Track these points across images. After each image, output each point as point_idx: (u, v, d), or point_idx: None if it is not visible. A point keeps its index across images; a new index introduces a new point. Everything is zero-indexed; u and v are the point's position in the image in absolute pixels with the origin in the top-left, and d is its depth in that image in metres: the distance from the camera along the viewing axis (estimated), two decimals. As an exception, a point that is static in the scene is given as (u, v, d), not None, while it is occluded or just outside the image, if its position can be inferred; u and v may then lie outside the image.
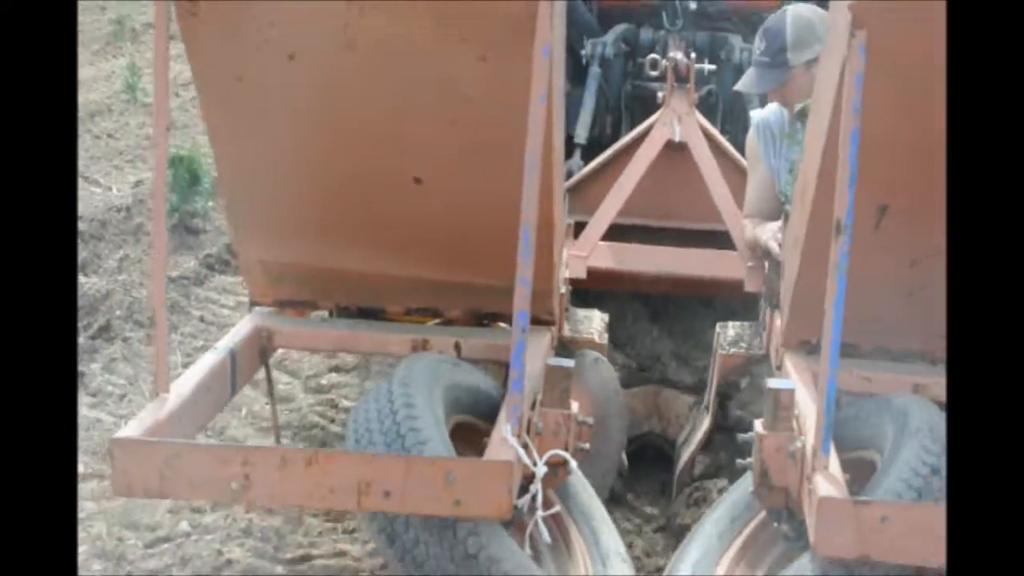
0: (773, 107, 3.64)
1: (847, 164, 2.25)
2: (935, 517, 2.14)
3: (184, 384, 2.57)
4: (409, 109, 2.57)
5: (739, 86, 3.72)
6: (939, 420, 2.42)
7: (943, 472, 2.28)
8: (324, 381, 4.13)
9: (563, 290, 3.25)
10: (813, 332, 2.74)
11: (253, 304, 3.04)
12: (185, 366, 3.92)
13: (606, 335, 3.42)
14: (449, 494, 2.18)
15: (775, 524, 2.61)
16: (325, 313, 3.22)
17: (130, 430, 2.33)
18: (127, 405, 3.91)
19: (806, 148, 2.90)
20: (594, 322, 3.43)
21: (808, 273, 2.70)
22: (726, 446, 3.22)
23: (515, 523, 2.39)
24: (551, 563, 2.57)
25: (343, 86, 2.56)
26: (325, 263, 2.93)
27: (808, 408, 2.49)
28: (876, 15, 2.23)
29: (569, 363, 2.61)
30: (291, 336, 3.06)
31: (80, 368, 4.03)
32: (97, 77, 9.60)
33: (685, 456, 3.40)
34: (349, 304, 3.06)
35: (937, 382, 2.77)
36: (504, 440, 2.30)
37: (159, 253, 2.52)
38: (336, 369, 4.19)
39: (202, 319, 4.81)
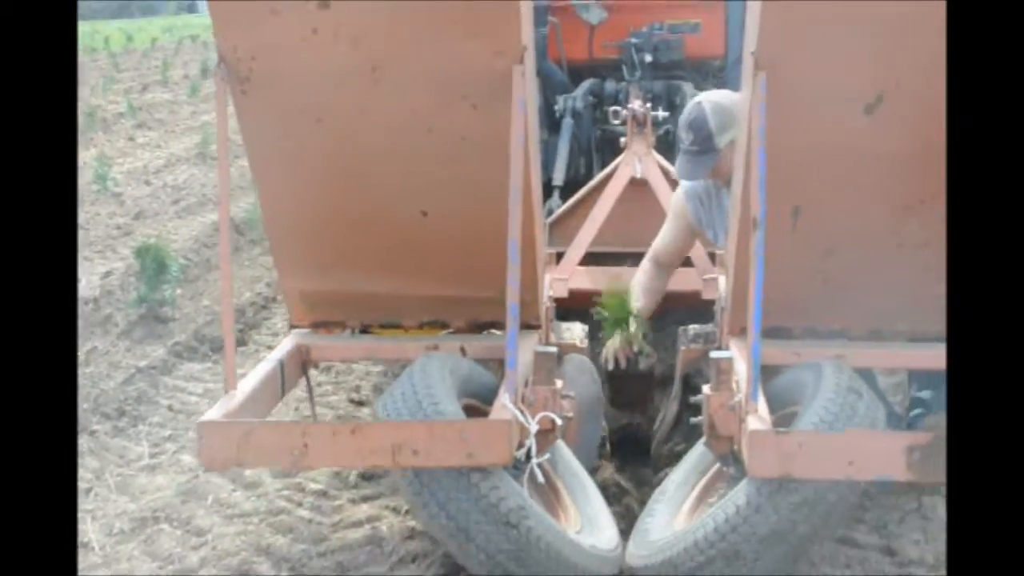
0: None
1: (757, 173, 2.89)
2: (842, 442, 2.75)
3: (247, 384, 3.20)
4: (415, 154, 3.19)
5: (677, 176, 4.16)
6: (847, 373, 3.02)
7: (849, 409, 2.87)
8: None
9: (548, 304, 3.87)
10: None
11: (292, 327, 3.67)
12: (152, 456, 4.21)
13: (587, 341, 4.03)
14: (463, 449, 2.77)
15: (724, 468, 3.24)
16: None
17: (211, 415, 2.96)
18: (93, 499, 3.89)
19: (735, 172, 3.52)
20: (576, 331, 4.04)
21: (742, 274, 3.21)
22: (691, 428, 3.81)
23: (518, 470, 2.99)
24: (547, 511, 3.16)
25: (360, 140, 3.19)
26: (351, 288, 3.55)
27: (743, 372, 3.10)
28: (771, 60, 2.90)
29: (553, 350, 3.26)
30: (327, 350, 3.69)
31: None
32: (68, 166, 10.08)
33: (659, 436, 4.00)
34: (372, 322, 3.67)
35: (855, 353, 3.35)
36: (504, 406, 2.92)
37: (225, 261, 3.16)
38: None
39: (170, 408, 4.78)
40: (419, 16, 2.93)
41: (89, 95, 16.24)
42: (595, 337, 4.19)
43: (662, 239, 4.30)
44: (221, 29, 3.01)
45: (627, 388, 4.26)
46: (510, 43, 2.96)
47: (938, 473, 2.76)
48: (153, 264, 5.82)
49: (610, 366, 4.03)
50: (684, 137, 3.97)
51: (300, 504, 3.74)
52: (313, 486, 3.86)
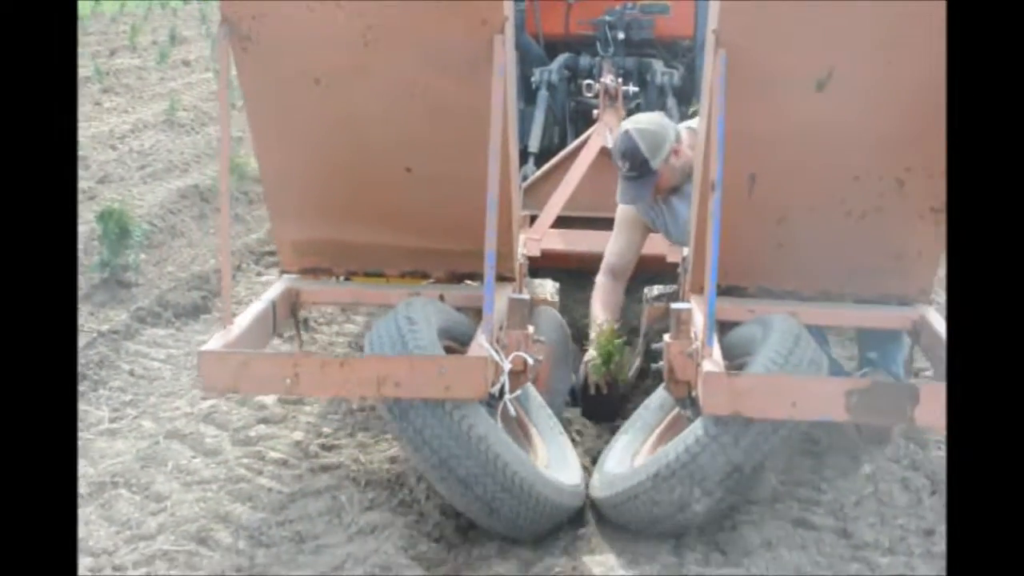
0: None
1: (715, 139, 3.16)
2: (787, 384, 3.03)
3: (242, 320, 3.45)
4: (403, 116, 3.44)
5: (620, 200, 4.34)
6: (793, 323, 3.29)
7: (796, 357, 3.15)
8: (252, 433, 4.00)
9: (522, 261, 4.13)
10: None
11: (283, 272, 3.92)
12: (112, 421, 4.15)
13: (557, 296, 4.32)
14: (441, 382, 3.02)
15: (682, 411, 3.52)
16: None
17: (211, 346, 3.21)
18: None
19: (697, 149, 3.78)
20: (547, 287, 4.32)
21: (702, 236, 3.43)
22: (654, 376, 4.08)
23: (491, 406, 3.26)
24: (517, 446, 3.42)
25: (354, 102, 3.43)
26: (339, 237, 3.79)
27: (700, 323, 3.37)
28: (730, 37, 3.17)
29: (526, 297, 3.52)
30: (314, 294, 3.93)
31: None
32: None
33: (623, 389, 4.28)
34: (357, 270, 3.92)
35: (806, 311, 3.62)
36: (480, 345, 3.18)
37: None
38: (264, 421, 4.09)
39: (131, 373, 4.69)
40: None
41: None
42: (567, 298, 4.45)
43: (616, 250, 4.50)
44: None
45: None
46: (493, 13, 3.20)
47: (873, 416, 3.07)
48: (116, 229, 5.73)
49: (591, 391, 4.17)
50: (621, 165, 4.20)
51: (260, 472, 3.72)
52: (273, 455, 3.84)
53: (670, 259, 4.50)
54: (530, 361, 3.34)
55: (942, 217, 3.52)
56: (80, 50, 17.47)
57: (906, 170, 3.44)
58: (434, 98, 3.39)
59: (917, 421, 3.03)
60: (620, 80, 5.16)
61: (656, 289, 4.29)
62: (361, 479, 3.61)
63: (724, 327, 3.52)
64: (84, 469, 3.75)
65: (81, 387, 4.45)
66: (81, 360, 4.63)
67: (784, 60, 3.22)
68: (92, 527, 3.38)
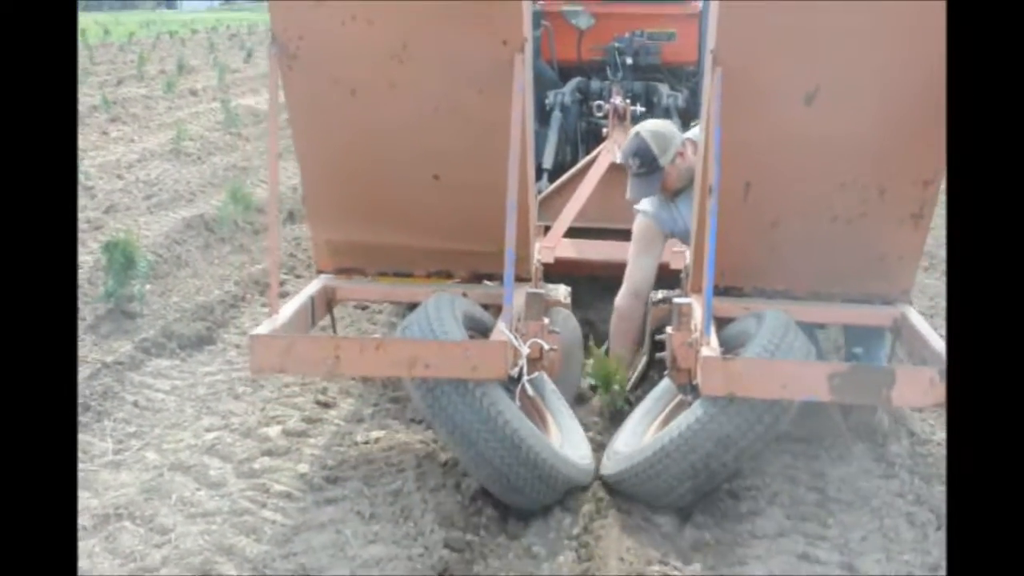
0: (648, 200, 4.74)
1: (712, 149, 3.51)
2: (776, 368, 3.36)
3: (286, 310, 3.82)
4: (431, 127, 3.80)
5: (630, 196, 4.70)
6: (784, 316, 3.63)
7: (786, 345, 3.48)
8: (256, 465, 4.00)
9: (538, 265, 4.48)
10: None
11: (319, 271, 4.28)
12: (116, 453, 4.12)
13: (570, 299, 4.66)
14: (467, 363, 3.37)
15: (683, 396, 3.86)
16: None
17: (260, 331, 3.57)
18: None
19: (697, 157, 4.13)
20: (561, 291, 4.65)
21: (701, 241, 3.77)
22: (658, 370, 4.42)
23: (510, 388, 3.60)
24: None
25: (386, 113, 3.79)
26: (371, 240, 4.16)
27: (699, 316, 3.71)
28: (726, 56, 3.53)
29: (543, 291, 3.88)
30: (348, 291, 4.30)
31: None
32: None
33: (629, 385, 4.61)
34: (387, 270, 4.28)
35: (797, 309, 3.94)
36: (501, 331, 3.53)
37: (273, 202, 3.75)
38: (269, 453, 4.10)
39: (136, 404, 4.63)
40: (440, 7, 3.54)
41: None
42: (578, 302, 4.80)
43: (640, 271, 4.74)
44: (275, 14, 3.62)
45: None
46: (514, 34, 3.57)
47: (853, 396, 3.41)
48: (121, 259, 5.72)
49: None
50: (632, 164, 4.62)
51: (264, 505, 3.72)
52: (277, 487, 3.83)
53: (673, 266, 4.83)
54: (545, 347, 3.68)
55: (921, 222, 3.87)
56: (88, 79, 17.85)
57: (888, 178, 3.78)
58: (460, 111, 3.76)
59: (893, 401, 3.37)
60: (628, 101, 5.52)
61: (660, 293, 4.63)
62: (365, 512, 3.66)
63: (722, 323, 3.87)
64: (88, 501, 3.74)
65: (85, 418, 4.42)
66: (86, 391, 4.62)
67: (775, 77, 3.57)
68: (96, 559, 3.39)
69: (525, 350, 3.59)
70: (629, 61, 6.02)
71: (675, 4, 6.21)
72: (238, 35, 35.73)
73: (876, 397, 3.43)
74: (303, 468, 3.98)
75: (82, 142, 11.10)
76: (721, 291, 3.91)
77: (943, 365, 3.34)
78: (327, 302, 4.20)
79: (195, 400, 4.67)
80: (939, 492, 3.79)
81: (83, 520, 3.58)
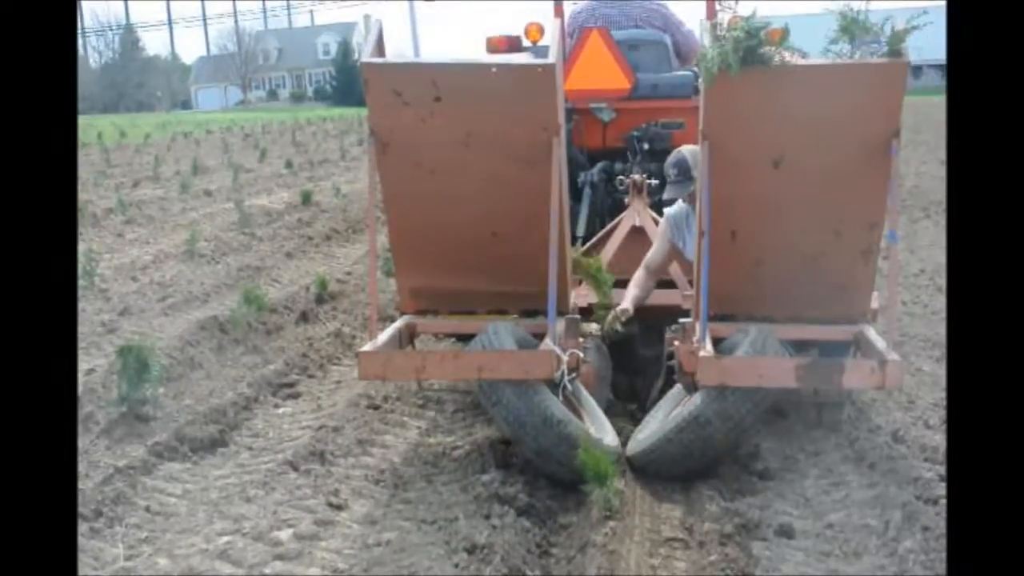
0: (676, 205, 5.91)
1: (705, 202, 4.66)
2: (755, 363, 4.46)
3: (381, 337, 4.97)
4: (490, 195, 4.94)
5: (667, 196, 5.96)
6: (765, 329, 4.74)
7: (763, 348, 4.60)
8: (268, 570, 4.00)
9: (574, 305, 5.59)
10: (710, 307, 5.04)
11: (401, 312, 5.45)
12: (127, 559, 4.09)
13: (600, 333, 5.78)
14: (522, 368, 4.52)
15: (689, 395, 4.96)
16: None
17: (365, 348, 4.72)
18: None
19: (697, 209, 5.26)
20: (593, 326, 5.76)
21: (698, 273, 4.90)
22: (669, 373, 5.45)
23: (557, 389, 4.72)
24: (574, 421, 4.85)
25: (456, 186, 4.94)
26: (443, 285, 5.31)
27: (698, 330, 4.82)
28: (711, 131, 4.69)
29: (578, 316, 5.02)
30: (426, 325, 5.46)
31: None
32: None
33: (649, 403, 5.68)
34: (455, 309, 5.42)
35: (779, 329, 4.98)
36: (547, 343, 4.66)
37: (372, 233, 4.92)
38: (280, 557, 4.09)
39: (148, 509, 4.59)
40: (496, 106, 4.71)
41: (80, 190, 15.56)
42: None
43: (653, 253, 6.00)
44: (372, 112, 4.81)
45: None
46: (551, 122, 4.74)
47: (813, 382, 4.55)
48: (135, 364, 5.74)
49: (606, 328, 5.61)
50: (671, 172, 5.84)
51: None
52: None
53: (684, 307, 5.92)
54: (581, 355, 4.81)
55: (871, 257, 4.96)
56: (105, 181, 18.17)
57: (841, 223, 4.88)
58: (512, 183, 4.90)
59: (844, 384, 4.49)
60: (645, 176, 6.69)
61: (674, 326, 5.74)
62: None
63: (716, 342, 4.95)
64: (97, 609, 3.74)
65: (97, 524, 4.39)
66: (97, 496, 4.59)
67: (749, 146, 4.71)
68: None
69: (565, 357, 4.72)
70: (646, 147, 7.09)
71: (683, 99, 7.35)
72: (252, 135, 35.65)
73: (831, 382, 4.53)
74: (314, 572, 4.00)
75: (97, 244, 11.34)
76: (718, 318, 5.01)
77: (883, 358, 4.43)
78: (410, 335, 5.35)
79: (207, 504, 4.67)
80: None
81: (96, 628, 3.64)
